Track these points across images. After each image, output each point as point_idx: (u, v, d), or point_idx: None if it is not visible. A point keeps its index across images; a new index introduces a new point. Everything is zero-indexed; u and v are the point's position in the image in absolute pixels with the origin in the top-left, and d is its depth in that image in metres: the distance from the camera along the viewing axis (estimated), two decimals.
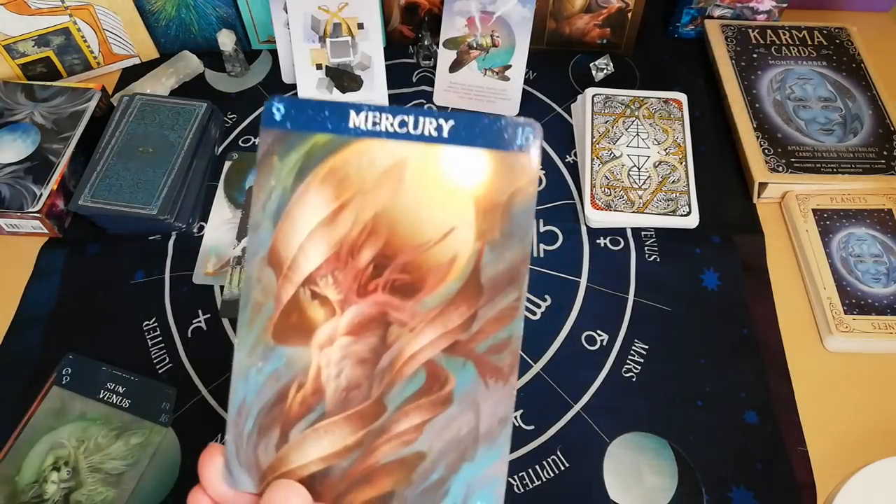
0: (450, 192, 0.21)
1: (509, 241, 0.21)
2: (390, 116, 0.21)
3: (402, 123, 0.21)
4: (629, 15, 0.58)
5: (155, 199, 0.48)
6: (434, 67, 0.58)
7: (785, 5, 0.60)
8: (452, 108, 0.57)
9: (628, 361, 0.44)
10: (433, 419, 0.21)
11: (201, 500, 0.21)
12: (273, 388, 0.21)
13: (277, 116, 0.21)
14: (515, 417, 0.42)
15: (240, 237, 0.50)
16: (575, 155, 0.55)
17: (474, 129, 0.21)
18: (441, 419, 0.21)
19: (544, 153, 0.55)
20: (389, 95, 0.57)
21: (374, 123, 0.21)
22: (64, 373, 0.43)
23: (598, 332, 0.45)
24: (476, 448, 0.21)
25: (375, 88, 0.56)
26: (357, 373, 0.21)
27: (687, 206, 0.49)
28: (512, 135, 0.21)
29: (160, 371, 0.44)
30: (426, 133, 0.21)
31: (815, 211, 0.49)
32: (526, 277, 0.21)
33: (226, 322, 0.46)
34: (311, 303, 0.21)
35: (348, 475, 0.21)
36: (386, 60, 0.56)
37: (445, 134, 0.21)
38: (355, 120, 0.21)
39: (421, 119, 0.21)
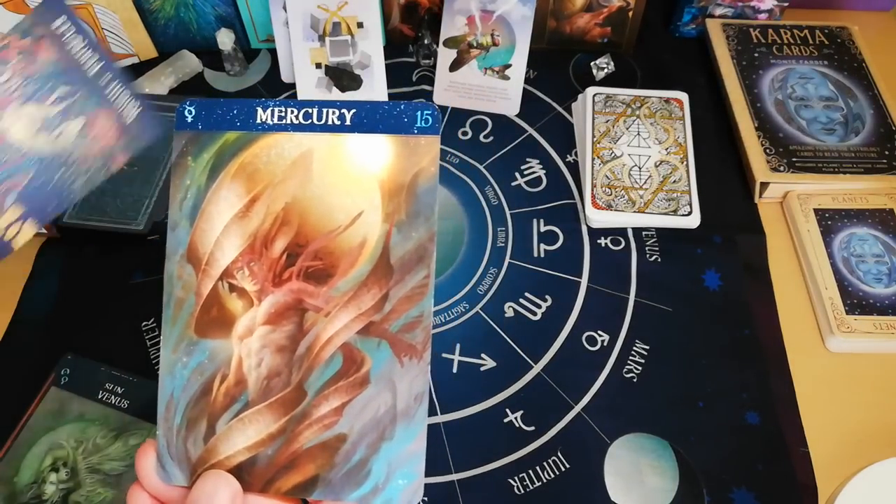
0: (356, 178, 0.22)
1: (415, 220, 0.22)
2: (295, 110, 0.22)
3: (307, 115, 0.22)
4: (630, 14, 0.58)
5: (141, 214, 0.48)
6: (434, 66, 0.58)
7: (786, 4, 0.60)
8: (452, 107, 0.57)
9: (629, 362, 0.44)
10: (352, 401, 0.21)
11: (139, 496, 0.21)
12: (198, 381, 0.22)
13: (189, 118, 0.22)
14: (516, 418, 0.42)
15: None
16: (575, 154, 0.54)
17: (375, 115, 0.22)
18: (359, 400, 0.21)
19: (545, 153, 0.55)
20: (389, 94, 0.57)
21: (280, 118, 0.22)
22: (62, 373, 0.43)
23: (599, 332, 0.45)
24: (394, 426, 0.21)
25: (375, 87, 0.56)
26: (277, 361, 0.22)
27: (688, 206, 0.48)
28: (411, 118, 0.22)
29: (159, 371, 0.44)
30: (330, 123, 0.22)
31: (816, 211, 0.49)
32: (433, 255, 0.22)
33: None
34: (229, 295, 0.22)
35: (274, 462, 0.21)
36: (386, 59, 0.56)
37: (348, 122, 0.22)
38: (262, 115, 0.22)
39: (324, 110, 0.22)
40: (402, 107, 0.22)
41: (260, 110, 0.22)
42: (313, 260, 0.22)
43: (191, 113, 0.22)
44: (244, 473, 0.21)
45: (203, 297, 0.22)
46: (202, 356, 0.22)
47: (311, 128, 0.22)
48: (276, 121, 0.22)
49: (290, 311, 0.22)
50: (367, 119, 0.22)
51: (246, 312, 0.22)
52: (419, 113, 0.22)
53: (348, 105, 0.22)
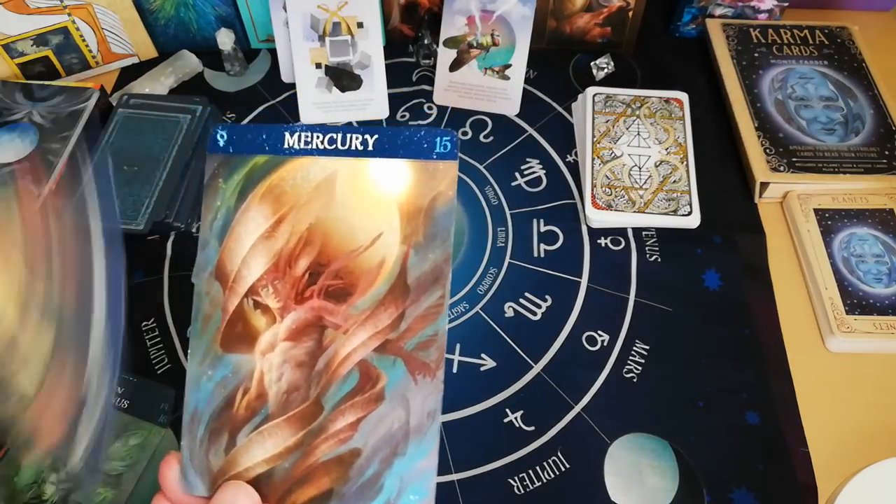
0: (377, 201, 0.23)
1: (432, 242, 0.23)
2: (321, 135, 0.23)
3: (332, 140, 0.23)
4: (630, 14, 0.58)
5: (141, 214, 0.48)
6: (434, 66, 0.58)
7: (786, 4, 0.60)
8: (452, 107, 0.57)
9: (629, 362, 0.44)
10: (367, 416, 0.22)
11: None
12: (221, 394, 0.23)
13: (221, 143, 0.24)
14: (516, 418, 0.42)
15: None
16: (575, 154, 0.54)
17: (396, 140, 0.23)
18: (374, 416, 0.22)
19: (545, 153, 0.55)
20: (389, 94, 0.57)
21: (307, 142, 0.23)
22: None
23: (599, 332, 0.45)
24: (407, 443, 0.22)
25: (375, 87, 0.56)
26: (296, 376, 0.23)
27: (688, 206, 0.48)
28: (431, 144, 0.23)
29: (159, 372, 0.44)
30: (353, 148, 0.23)
31: (816, 211, 0.49)
32: (449, 276, 0.23)
33: None
34: (254, 312, 0.23)
35: (290, 475, 0.22)
36: (386, 59, 0.56)
37: (371, 147, 0.23)
38: (289, 140, 0.23)
39: (348, 136, 0.23)
40: (423, 133, 0.23)
41: (288, 135, 0.23)
42: (334, 279, 0.23)
43: (223, 137, 0.24)
44: (262, 485, 0.22)
45: (229, 312, 0.23)
46: (226, 370, 0.23)
47: (336, 152, 0.23)
48: (302, 145, 0.23)
49: (311, 327, 0.23)
50: (389, 144, 0.23)
51: (269, 328, 0.23)
52: (439, 139, 0.23)
53: (371, 131, 0.23)
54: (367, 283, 0.23)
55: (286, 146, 0.23)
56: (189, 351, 0.23)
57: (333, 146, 0.23)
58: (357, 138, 0.23)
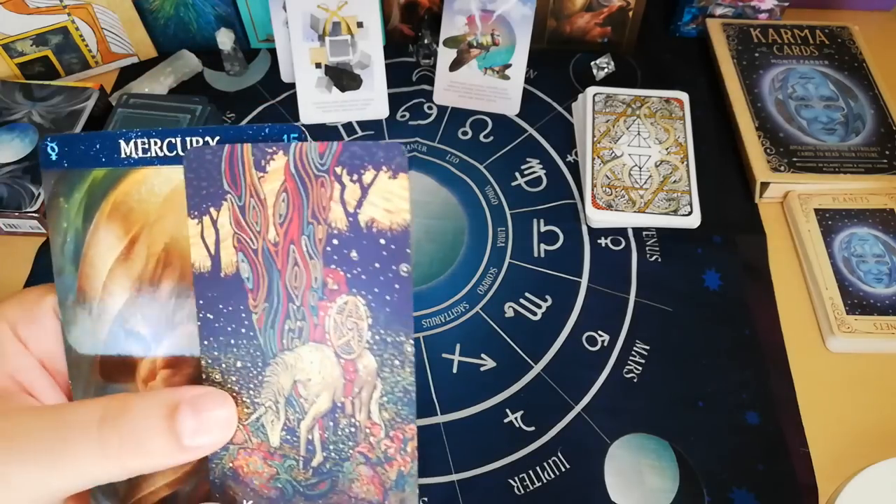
0: None
1: None
2: (158, 141, 0.21)
3: (171, 146, 0.21)
4: (630, 14, 0.58)
5: None
6: (434, 66, 0.58)
7: (787, 4, 0.60)
8: (452, 107, 0.57)
9: (629, 362, 0.44)
10: None
11: None
12: None
13: (53, 156, 0.21)
14: (516, 418, 0.42)
15: None
16: (576, 154, 0.54)
17: (239, 140, 0.21)
18: None
19: (545, 153, 0.55)
20: (389, 94, 0.56)
21: (145, 150, 0.21)
22: None
23: (599, 332, 0.45)
24: None
25: (375, 87, 0.56)
26: None
27: (688, 206, 0.48)
28: (278, 141, 0.21)
29: None
30: None
31: (817, 211, 0.49)
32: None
33: None
34: (126, 340, 0.21)
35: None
36: (385, 59, 0.56)
37: None
38: (125, 149, 0.21)
39: (188, 139, 0.21)
40: (267, 129, 0.21)
41: (123, 143, 0.21)
42: None
43: (54, 150, 0.21)
44: None
45: (101, 342, 0.21)
46: None
47: (178, 159, 0.21)
48: (140, 154, 0.21)
49: (188, 354, 0.21)
50: (230, 144, 0.20)
51: (145, 356, 0.21)
52: (285, 136, 0.20)
53: (212, 132, 0.21)
54: None
55: (123, 156, 0.21)
56: (70, 382, 0.22)
57: (174, 153, 0.21)
58: (198, 142, 0.21)
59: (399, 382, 0.20)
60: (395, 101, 0.57)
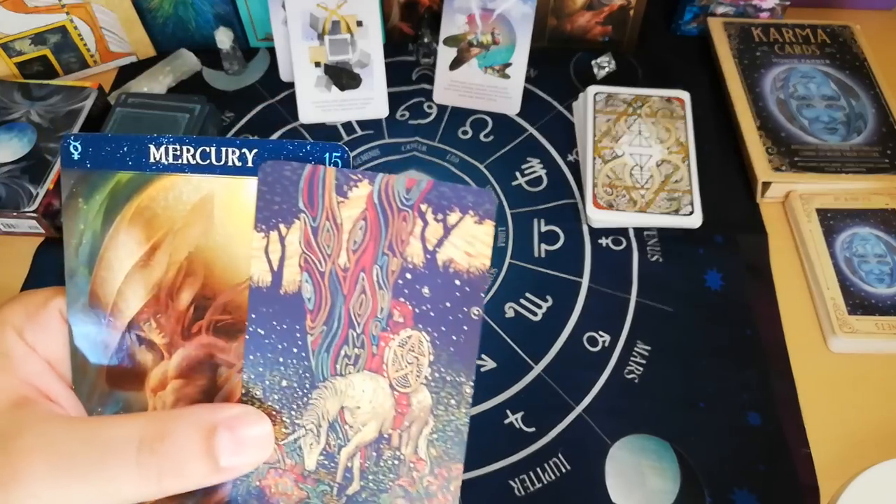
0: None
1: None
2: (191, 148, 0.20)
3: (205, 155, 0.20)
4: (631, 12, 0.58)
5: None
6: (434, 65, 0.58)
7: (788, 3, 0.59)
8: (452, 106, 0.57)
9: (630, 363, 0.44)
10: None
11: None
12: None
13: (76, 156, 0.21)
14: (516, 419, 0.42)
15: None
16: (576, 154, 0.54)
17: (279, 157, 0.20)
18: None
19: (546, 152, 0.54)
20: (389, 93, 0.56)
21: (176, 157, 0.20)
22: None
23: (600, 332, 0.45)
24: None
25: (375, 86, 0.56)
26: None
27: (690, 206, 0.48)
28: (319, 160, 0.20)
29: None
30: (230, 163, 0.20)
31: (818, 211, 0.49)
32: None
33: None
34: (138, 347, 0.21)
35: None
36: (385, 58, 0.56)
37: (250, 163, 0.20)
38: (155, 154, 0.20)
39: (223, 149, 0.20)
40: (309, 147, 0.20)
41: (153, 148, 0.20)
42: (222, 314, 0.21)
43: (77, 150, 0.21)
44: None
45: (111, 348, 0.21)
46: (116, 407, 0.21)
47: (210, 169, 0.20)
48: (171, 160, 0.20)
49: (202, 365, 0.21)
50: (271, 159, 0.20)
51: (157, 365, 0.21)
52: (328, 155, 0.20)
53: (249, 144, 0.20)
54: None
55: (152, 161, 0.20)
56: (74, 386, 0.21)
57: (207, 161, 0.20)
58: (234, 153, 0.20)
59: (452, 422, 0.20)
60: (394, 101, 0.57)
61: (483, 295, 0.20)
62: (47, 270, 0.49)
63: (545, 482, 0.39)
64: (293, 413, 0.20)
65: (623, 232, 0.49)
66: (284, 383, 0.20)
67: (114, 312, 0.21)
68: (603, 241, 0.49)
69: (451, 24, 0.56)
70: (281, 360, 0.20)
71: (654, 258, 0.48)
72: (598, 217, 0.48)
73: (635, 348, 0.44)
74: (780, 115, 0.53)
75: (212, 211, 0.20)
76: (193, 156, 0.20)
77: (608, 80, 0.58)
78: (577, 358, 0.44)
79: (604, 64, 0.59)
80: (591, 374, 0.43)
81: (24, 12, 0.54)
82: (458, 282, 0.20)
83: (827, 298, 0.44)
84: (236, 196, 0.20)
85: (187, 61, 0.59)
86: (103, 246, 0.21)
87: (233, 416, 0.19)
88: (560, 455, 0.40)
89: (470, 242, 0.19)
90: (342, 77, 0.55)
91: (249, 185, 0.20)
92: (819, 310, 0.45)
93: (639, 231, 0.49)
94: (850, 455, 0.39)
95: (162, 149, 0.20)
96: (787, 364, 0.43)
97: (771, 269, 0.48)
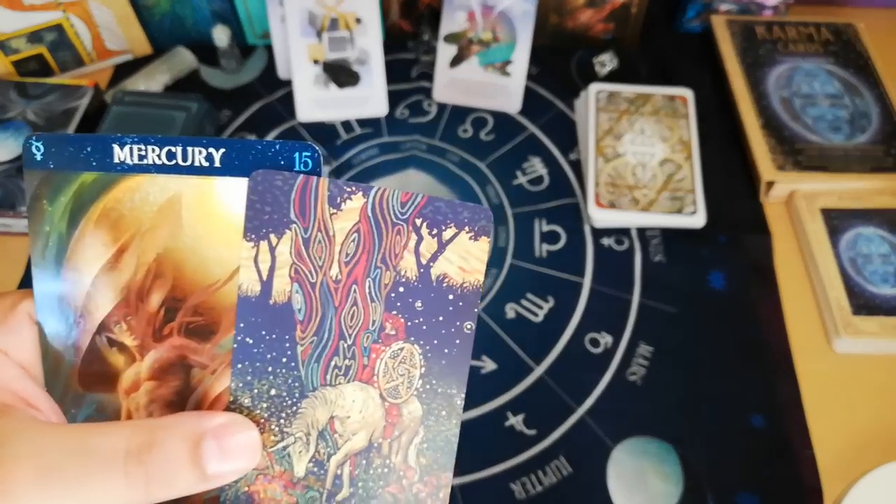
0: (230, 228, 0.20)
1: None
2: (157, 148, 0.20)
3: (171, 155, 0.20)
4: (633, 10, 0.57)
5: None
6: (434, 63, 0.57)
7: (791, 1, 0.59)
8: (453, 105, 0.56)
9: (633, 364, 0.43)
10: None
11: None
12: None
13: (38, 156, 0.20)
14: (518, 422, 0.41)
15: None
16: (578, 152, 0.54)
17: (247, 156, 0.20)
18: None
19: (547, 151, 0.54)
20: (388, 91, 0.56)
21: (141, 157, 0.20)
22: None
23: (602, 333, 0.44)
24: None
25: (374, 84, 0.55)
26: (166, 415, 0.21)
27: (693, 205, 0.48)
28: (288, 160, 0.20)
29: None
30: (197, 164, 0.20)
31: (822, 210, 0.48)
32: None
33: None
34: (109, 350, 0.21)
35: None
36: (385, 55, 0.55)
37: (217, 163, 0.20)
38: (120, 154, 0.20)
39: (190, 149, 0.20)
40: (278, 146, 0.20)
41: (117, 148, 0.20)
42: (193, 315, 0.20)
43: (39, 150, 0.20)
44: None
45: (82, 350, 0.21)
46: (90, 409, 0.21)
47: (177, 169, 0.20)
48: (136, 160, 0.20)
49: (175, 366, 0.21)
50: (239, 160, 0.20)
51: (129, 367, 0.21)
52: (297, 155, 0.20)
53: (217, 143, 0.20)
54: (230, 321, 0.20)
55: (116, 161, 0.20)
56: (47, 388, 0.21)
57: (173, 161, 0.20)
58: (201, 153, 0.20)
59: (442, 432, 0.20)
60: (394, 98, 0.56)
61: (476, 310, 0.20)
62: None
63: (546, 485, 0.39)
64: (282, 421, 0.20)
65: (625, 232, 0.49)
66: (273, 392, 0.20)
67: (83, 315, 0.21)
68: (605, 241, 0.49)
69: (452, 21, 0.55)
70: (270, 369, 0.20)
71: (657, 258, 0.48)
72: (600, 217, 0.48)
73: (638, 349, 0.44)
74: (784, 114, 0.52)
75: (179, 212, 0.20)
76: (159, 156, 0.20)
77: (610, 77, 0.58)
78: (579, 359, 0.43)
79: (606, 62, 0.58)
80: (593, 375, 0.43)
81: (20, 10, 0.54)
82: (451, 296, 0.20)
83: (831, 299, 0.44)
84: (205, 196, 0.20)
85: (184, 59, 0.59)
86: (69, 248, 0.20)
87: (220, 424, 0.19)
88: (561, 458, 0.40)
89: (464, 258, 0.20)
90: (341, 75, 0.55)
91: (218, 185, 0.20)
92: (823, 310, 0.45)
93: (641, 231, 0.49)
94: (853, 457, 0.39)
95: (126, 149, 0.20)
96: (791, 365, 0.43)
97: (775, 269, 0.47)
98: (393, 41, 0.60)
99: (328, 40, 0.54)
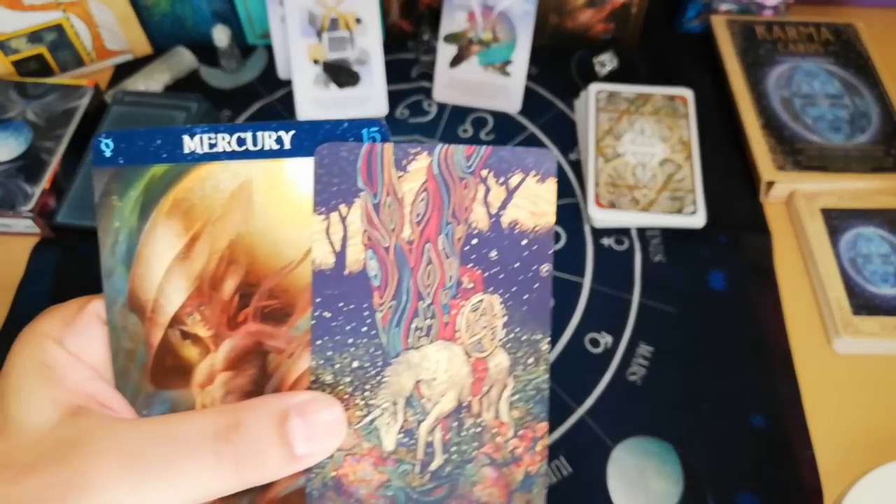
0: (301, 208, 0.20)
1: None
2: (227, 135, 0.20)
3: (241, 141, 0.20)
4: (633, 10, 0.57)
5: None
6: (434, 63, 0.57)
7: (792, 1, 0.59)
8: (453, 105, 0.56)
9: (633, 364, 0.43)
10: None
11: None
12: None
13: (107, 153, 0.20)
14: None
15: None
16: (578, 152, 0.54)
17: (316, 136, 0.20)
18: None
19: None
20: (388, 91, 0.56)
21: (211, 145, 0.20)
22: None
23: (602, 333, 0.44)
24: None
25: (374, 84, 0.55)
26: None
27: (693, 205, 0.48)
28: (357, 137, 0.20)
29: None
30: (267, 148, 0.20)
31: (822, 210, 0.48)
32: None
33: None
34: (182, 343, 0.20)
35: None
36: (384, 55, 0.55)
37: (287, 145, 0.20)
38: (190, 144, 0.20)
39: (259, 134, 0.20)
40: (346, 125, 0.20)
41: (187, 139, 0.20)
42: (268, 299, 0.20)
43: (108, 146, 0.20)
44: None
45: (154, 346, 0.20)
46: (163, 407, 0.21)
47: (247, 154, 0.20)
48: (206, 149, 0.20)
49: (251, 354, 0.20)
50: (308, 140, 0.20)
51: (203, 359, 0.20)
52: (365, 131, 0.20)
53: (286, 126, 0.20)
54: (306, 302, 0.20)
55: (186, 151, 0.20)
56: (118, 391, 0.21)
57: (244, 147, 0.20)
58: (271, 136, 0.20)
59: (532, 381, 0.20)
60: (394, 98, 0.56)
61: (550, 252, 0.20)
62: (43, 271, 0.48)
63: (546, 486, 0.39)
64: (367, 393, 0.20)
65: (625, 232, 0.49)
66: (355, 364, 0.20)
67: (155, 309, 0.20)
68: (605, 241, 0.49)
69: (451, 21, 0.55)
70: (350, 341, 0.20)
71: (657, 258, 0.48)
72: (600, 216, 0.48)
73: (638, 349, 0.44)
74: (784, 114, 0.52)
75: (251, 196, 0.20)
76: (229, 143, 0.20)
77: (610, 77, 0.58)
78: (579, 359, 0.43)
79: (606, 62, 0.58)
80: (592, 375, 0.43)
81: (20, 10, 0.54)
82: (524, 241, 0.20)
83: (831, 299, 0.44)
84: (275, 179, 0.20)
85: (184, 59, 0.59)
86: (140, 242, 0.20)
87: (304, 401, 0.19)
88: (561, 457, 0.40)
89: (534, 202, 0.20)
90: (341, 75, 0.55)
91: (288, 166, 0.20)
92: (823, 310, 0.45)
93: (641, 231, 0.49)
94: (854, 457, 0.39)
95: (196, 138, 0.20)
96: (791, 365, 0.43)
97: (775, 269, 0.47)
98: (393, 41, 0.60)
99: (328, 40, 0.54)
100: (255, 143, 0.20)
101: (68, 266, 0.48)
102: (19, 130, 0.51)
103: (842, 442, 0.40)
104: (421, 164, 0.20)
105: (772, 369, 0.43)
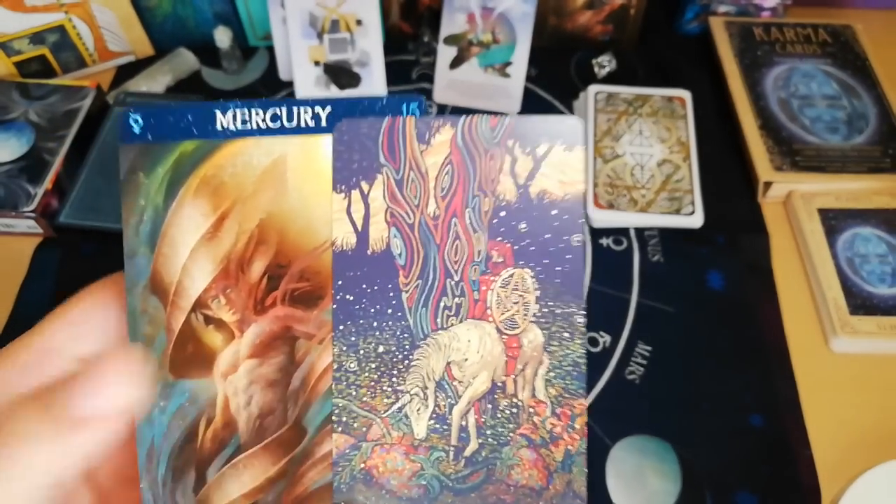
0: None
1: None
2: (261, 111, 0.19)
3: (275, 117, 0.19)
4: (632, 11, 0.58)
5: None
6: (434, 64, 0.57)
7: (790, 2, 0.59)
8: (453, 106, 0.57)
9: (631, 363, 0.43)
10: None
11: None
12: (180, 426, 0.19)
13: (136, 129, 0.19)
14: None
15: None
16: None
17: (354, 112, 0.19)
18: None
19: None
20: (389, 92, 0.56)
21: (244, 121, 0.19)
22: None
23: (601, 333, 0.45)
24: None
25: (374, 85, 0.55)
26: (269, 397, 0.19)
27: (691, 206, 0.48)
28: (396, 112, 0.19)
29: None
30: (303, 124, 0.19)
31: (820, 211, 0.48)
32: None
33: None
34: (205, 328, 0.19)
35: None
36: (385, 57, 0.55)
37: (324, 122, 0.19)
38: (222, 121, 0.19)
39: (295, 109, 0.19)
40: (385, 100, 0.19)
41: (219, 114, 0.19)
42: (298, 281, 0.19)
43: (137, 122, 0.19)
44: None
45: (175, 332, 0.19)
46: (182, 398, 0.19)
47: (282, 131, 0.19)
48: (239, 125, 0.19)
49: (278, 340, 0.19)
50: (346, 116, 0.19)
51: (227, 346, 0.19)
52: (405, 106, 0.19)
53: (323, 102, 0.19)
54: None
55: (219, 127, 0.19)
56: None
57: (278, 123, 0.19)
58: (307, 112, 0.19)
59: (568, 356, 0.19)
60: None
61: (581, 221, 0.19)
62: (45, 271, 0.49)
63: None
64: (394, 379, 0.19)
65: (624, 232, 0.49)
66: (381, 349, 0.19)
67: (178, 292, 0.19)
68: (604, 241, 0.49)
69: (451, 23, 0.56)
70: (375, 324, 0.19)
71: (656, 258, 0.48)
72: (598, 217, 0.48)
73: (636, 349, 0.44)
74: (782, 115, 0.53)
75: (284, 173, 0.19)
76: (263, 119, 0.19)
77: (609, 79, 0.58)
78: None
79: (604, 63, 0.59)
80: (591, 374, 0.43)
81: (22, 11, 0.54)
82: (554, 211, 0.19)
83: (829, 299, 0.44)
84: (312, 155, 0.19)
85: (186, 60, 0.59)
86: (166, 222, 0.19)
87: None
88: None
89: (562, 170, 0.19)
90: (341, 76, 0.55)
91: (325, 143, 0.19)
92: (821, 310, 0.45)
93: (640, 231, 0.49)
94: (851, 456, 0.39)
95: (229, 114, 0.19)
96: (789, 365, 0.43)
97: (773, 269, 0.47)
98: (393, 43, 0.60)
99: (329, 42, 0.55)
100: (289, 120, 0.19)
101: (70, 266, 0.49)
102: (22, 131, 0.52)
103: (839, 441, 0.40)
104: (444, 136, 0.19)
105: (770, 368, 0.43)
